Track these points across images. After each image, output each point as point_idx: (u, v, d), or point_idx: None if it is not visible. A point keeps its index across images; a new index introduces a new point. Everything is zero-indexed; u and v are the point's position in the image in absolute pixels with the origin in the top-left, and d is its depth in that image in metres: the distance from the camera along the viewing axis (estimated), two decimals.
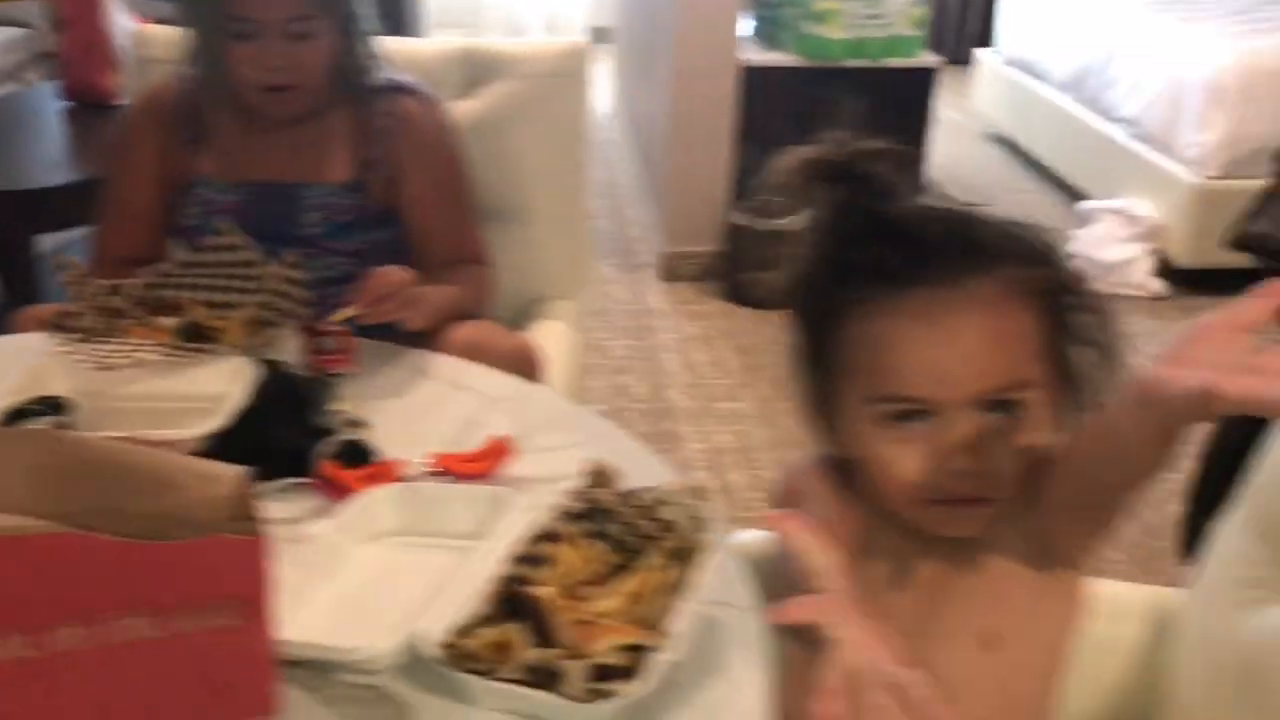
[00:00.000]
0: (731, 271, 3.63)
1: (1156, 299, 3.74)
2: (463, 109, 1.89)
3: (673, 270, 3.78)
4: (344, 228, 1.68)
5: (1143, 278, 3.78)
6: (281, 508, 1.14)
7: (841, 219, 0.91)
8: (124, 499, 0.87)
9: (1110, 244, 3.88)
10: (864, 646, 0.84)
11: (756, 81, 3.62)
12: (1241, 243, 3.05)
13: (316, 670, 0.96)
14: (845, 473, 1.00)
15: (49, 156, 3.02)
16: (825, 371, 0.94)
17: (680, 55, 3.54)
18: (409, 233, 1.73)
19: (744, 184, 3.62)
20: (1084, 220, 4.12)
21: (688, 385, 3.15)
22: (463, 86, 1.92)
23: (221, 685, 0.86)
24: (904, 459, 0.88)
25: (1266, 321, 0.71)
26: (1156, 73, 3.95)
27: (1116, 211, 3.97)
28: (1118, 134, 4.16)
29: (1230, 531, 1.13)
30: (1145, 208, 3.86)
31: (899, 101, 3.77)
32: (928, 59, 3.81)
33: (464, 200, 1.78)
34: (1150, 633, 1.21)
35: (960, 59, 6.09)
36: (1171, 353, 0.72)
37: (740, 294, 3.59)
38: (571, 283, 1.99)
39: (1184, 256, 3.73)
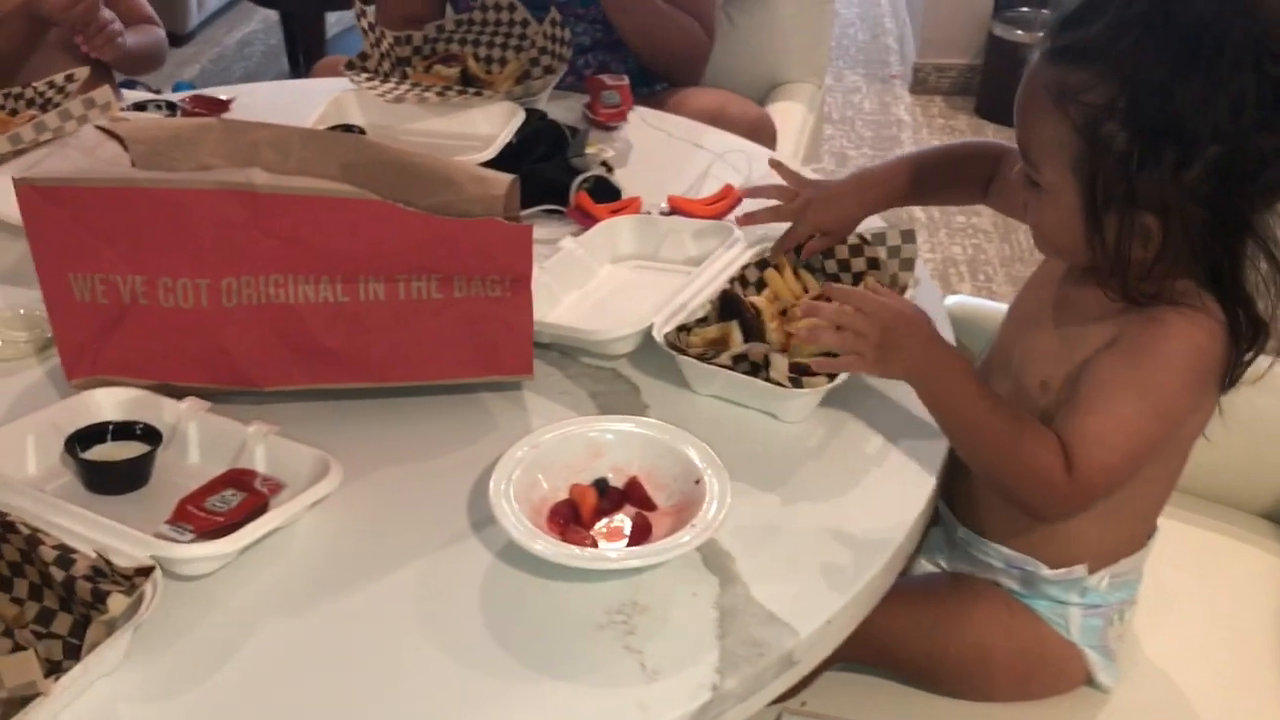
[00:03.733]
0: (986, 86, 3.56)
1: None
2: None
3: (924, 82, 3.73)
4: None
5: None
6: (540, 229, 1.31)
7: None
8: (414, 192, 1.05)
9: None
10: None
11: None
12: None
13: (564, 351, 1.13)
14: None
15: None
16: None
17: None
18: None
19: None
20: None
21: None
22: None
23: (489, 344, 1.04)
24: None
25: None
26: None
27: None
28: None
29: None
30: None
31: None
32: None
33: None
34: None
35: None
36: None
37: (992, 110, 3.53)
38: (809, 67, 2.06)
39: None
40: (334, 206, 0.99)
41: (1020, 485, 0.96)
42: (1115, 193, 0.91)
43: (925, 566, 1.18)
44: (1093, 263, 0.96)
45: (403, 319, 1.02)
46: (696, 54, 1.84)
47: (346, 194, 0.99)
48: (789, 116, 1.92)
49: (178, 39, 3.89)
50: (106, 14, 1.78)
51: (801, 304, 1.02)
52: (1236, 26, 0.86)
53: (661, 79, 1.88)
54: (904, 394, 1.07)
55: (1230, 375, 0.96)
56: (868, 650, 1.05)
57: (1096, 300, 0.97)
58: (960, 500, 1.11)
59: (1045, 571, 1.06)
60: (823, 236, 1.21)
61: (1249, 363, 0.96)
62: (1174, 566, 1.17)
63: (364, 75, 1.57)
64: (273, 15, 3.90)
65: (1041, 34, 0.96)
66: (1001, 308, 1.18)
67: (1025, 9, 3.47)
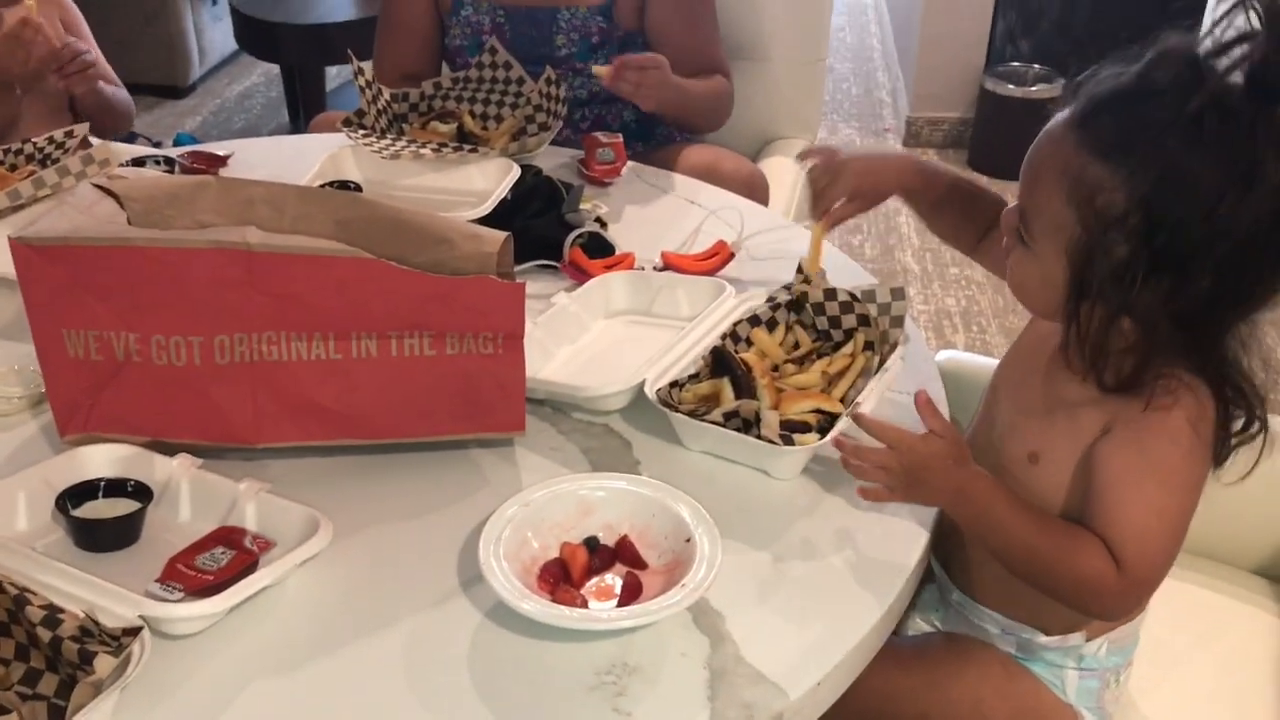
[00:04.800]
0: (978, 139, 3.60)
1: None
2: None
3: (917, 135, 3.77)
4: (593, 49, 1.81)
5: None
6: (534, 285, 1.32)
7: None
8: (408, 249, 1.05)
9: None
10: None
11: None
12: None
13: (557, 407, 1.14)
14: None
15: None
16: None
17: None
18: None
19: (1002, 49, 3.55)
20: None
21: (920, 249, 3.19)
22: None
23: (482, 401, 1.04)
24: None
25: None
26: None
27: None
28: None
29: None
30: None
31: None
32: None
33: (706, 19, 1.86)
34: None
35: None
36: None
37: (984, 163, 3.56)
38: (802, 122, 2.09)
39: None
40: (327, 264, 1.00)
41: (1075, 594, 0.96)
42: (1103, 293, 0.91)
43: (920, 625, 1.18)
44: (1063, 334, 0.96)
45: (395, 376, 1.03)
46: (722, 105, 1.87)
47: (340, 252, 1.00)
48: (782, 172, 1.94)
49: (180, 91, 3.93)
50: (79, 44, 1.82)
51: (832, 438, 1.01)
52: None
53: (693, 133, 1.91)
54: None
55: (1222, 448, 0.96)
56: (861, 711, 1.04)
57: (1084, 380, 0.97)
58: (956, 564, 1.11)
59: (1042, 639, 1.06)
60: (852, 201, 1.21)
61: (1243, 432, 0.96)
62: (1170, 625, 1.17)
63: (360, 131, 1.58)
64: (274, 68, 3.94)
65: (1069, 89, 0.93)
66: (993, 363, 1.19)
67: (1016, 64, 3.51)
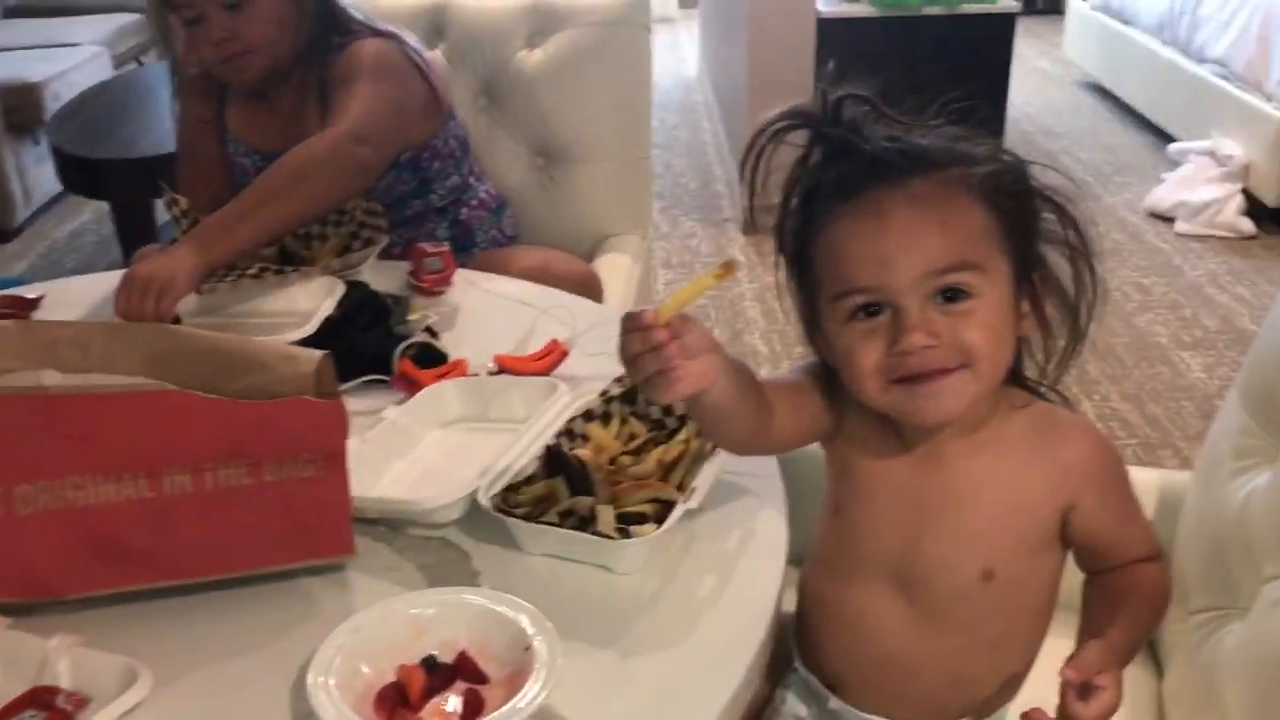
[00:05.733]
0: None
1: (1247, 239, 3.70)
2: (531, 59, 2.04)
3: (755, 223, 3.87)
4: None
5: (1232, 218, 3.74)
6: (363, 401, 1.30)
7: (812, 151, 0.99)
8: (221, 377, 1.03)
9: (1200, 185, 3.86)
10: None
11: (834, 32, 3.68)
12: None
13: (391, 526, 1.10)
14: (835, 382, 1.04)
15: (166, 128, 3.24)
16: (807, 290, 1.00)
17: (757, 8, 3.62)
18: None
19: None
20: (1175, 162, 4.09)
21: (766, 331, 3.26)
22: (529, 37, 2.06)
23: (305, 527, 1.01)
24: (865, 348, 0.93)
25: None
26: (1246, 10, 3.89)
27: (1205, 153, 3.93)
28: (1207, 74, 4.11)
29: (1229, 406, 1.21)
30: (1234, 148, 3.82)
31: (977, 48, 3.80)
32: (1006, 3, 3.82)
33: (344, 89, 1.67)
34: (1164, 514, 1.29)
35: (1053, 8, 6.03)
36: None
37: None
38: (633, 218, 2.12)
39: (1272, 196, 3.69)
40: (130, 401, 0.96)
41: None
42: (1033, 255, 0.96)
43: (793, 705, 1.15)
44: (1004, 366, 0.96)
45: (211, 510, 0.99)
46: (331, 165, 1.57)
47: (144, 387, 0.96)
48: (615, 269, 1.96)
49: (5, 235, 3.80)
50: None
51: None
52: None
53: (347, 201, 1.66)
54: (734, 529, 1.08)
55: None
56: None
57: (993, 460, 0.99)
58: (837, 680, 1.09)
59: None
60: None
61: None
62: (1039, 678, 1.17)
63: None
64: (104, 205, 3.85)
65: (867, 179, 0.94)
66: None
67: None
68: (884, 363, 0.93)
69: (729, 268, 0.88)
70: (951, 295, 0.91)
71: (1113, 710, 0.90)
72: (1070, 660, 0.90)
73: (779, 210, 1.02)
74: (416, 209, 1.86)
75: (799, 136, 0.99)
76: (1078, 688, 0.90)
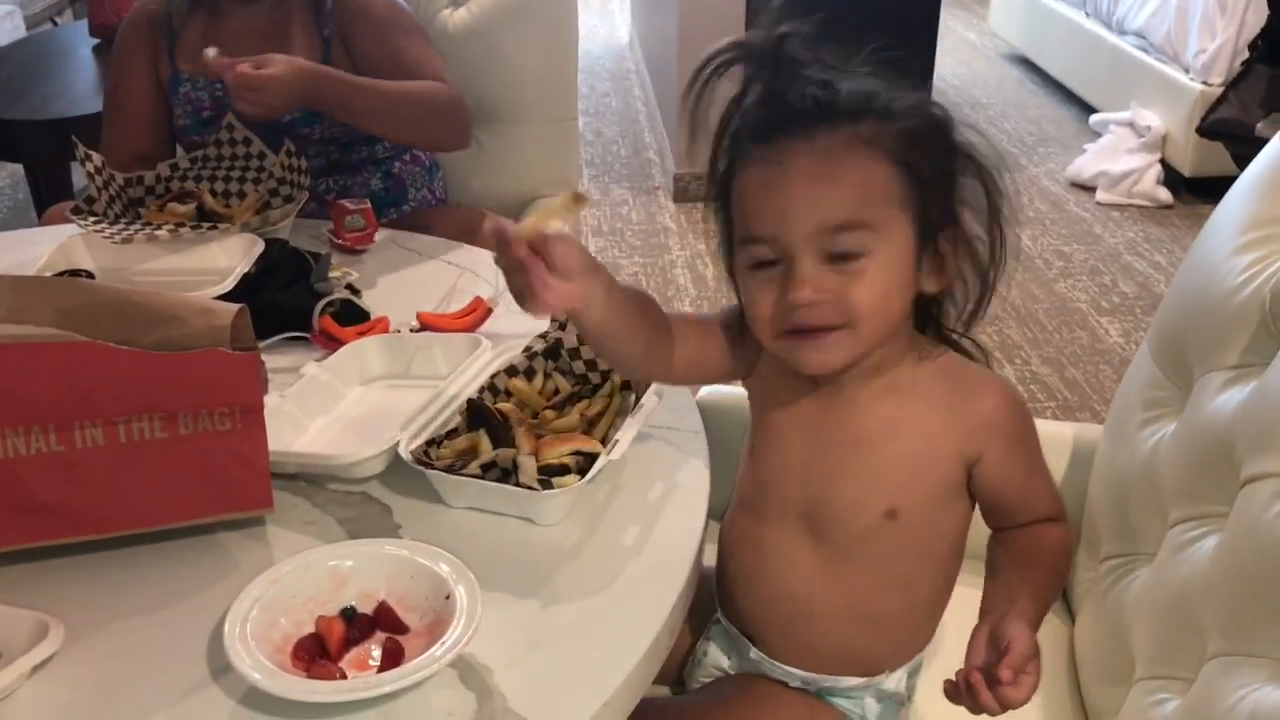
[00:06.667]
0: None
1: (1164, 208, 3.79)
2: (455, 17, 2.01)
3: (685, 191, 3.87)
4: (317, 113, 1.73)
5: (1151, 187, 3.83)
6: (284, 358, 1.28)
7: (748, 90, 0.99)
8: (135, 331, 1.00)
9: (1120, 155, 3.94)
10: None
11: (763, 2, 3.68)
12: (1209, 130, 3.06)
13: (311, 481, 1.09)
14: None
15: (82, 88, 3.16)
16: (726, 230, 1.01)
17: None
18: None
19: None
20: (1097, 133, 4.17)
21: (697, 298, 3.27)
22: None
23: (222, 481, 0.99)
24: (762, 295, 0.95)
25: None
26: None
27: (1125, 123, 4.01)
28: (1128, 46, 4.19)
29: (1139, 360, 1.24)
30: (1153, 119, 3.90)
31: (906, 19, 3.82)
32: None
33: (410, 47, 1.78)
34: (1077, 465, 1.32)
35: None
36: None
37: None
38: (560, 181, 2.11)
39: (1189, 166, 3.77)
40: (39, 352, 0.93)
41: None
42: (942, 213, 0.95)
43: (715, 657, 1.16)
44: (893, 323, 0.96)
45: (125, 463, 0.97)
46: (437, 107, 1.72)
47: (52, 338, 0.94)
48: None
49: None
50: None
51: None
52: None
53: (432, 149, 1.87)
54: (657, 481, 1.09)
55: None
56: None
57: (899, 405, 1.00)
58: (756, 633, 1.11)
59: (846, 681, 1.08)
60: None
61: None
62: (950, 626, 1.20)
63: (91, 219, 1.51)
64: (19, 168, 3.74)
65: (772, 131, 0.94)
66: None
67: None
68: (776, 311, 0.94)
69: (579, 199, 0.87)
70: (843, 255, 0.92)
71: (1037, 684, 0.90)
72: (1005, 660, 0.88)
73: (712, 145, 1.01)
74: (361, 155, 1.85)
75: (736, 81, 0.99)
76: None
